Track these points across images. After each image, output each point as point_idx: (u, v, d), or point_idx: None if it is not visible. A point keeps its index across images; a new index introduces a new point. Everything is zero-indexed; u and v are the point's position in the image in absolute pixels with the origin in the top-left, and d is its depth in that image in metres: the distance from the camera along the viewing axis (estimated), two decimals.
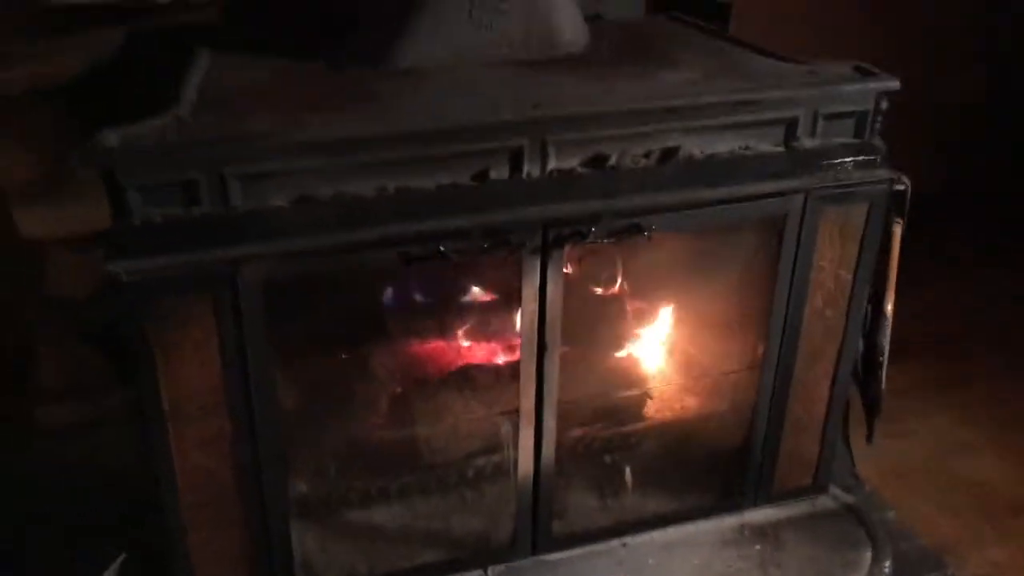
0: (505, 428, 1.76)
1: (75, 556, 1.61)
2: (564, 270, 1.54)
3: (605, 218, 1.49)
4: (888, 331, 1.99)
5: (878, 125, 1.68)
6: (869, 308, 1.98)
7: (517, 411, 1.63)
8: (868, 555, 1.82)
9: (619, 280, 1.84)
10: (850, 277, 1.70)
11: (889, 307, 1.99)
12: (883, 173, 1.61)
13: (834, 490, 1.96)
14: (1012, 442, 2.52)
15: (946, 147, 3.34)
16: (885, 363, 2.02)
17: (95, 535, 1.70)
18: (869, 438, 2.17)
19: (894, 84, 1.55)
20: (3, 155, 2.06)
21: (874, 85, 1.55)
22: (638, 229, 1.50)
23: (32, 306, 2.27)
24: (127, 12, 1.99)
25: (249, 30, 1.86)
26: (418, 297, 1.84)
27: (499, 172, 1.45)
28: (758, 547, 1.83)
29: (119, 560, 1.56)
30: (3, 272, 2.29)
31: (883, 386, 2.06)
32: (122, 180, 1.27)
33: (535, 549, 1.77)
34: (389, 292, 1.82)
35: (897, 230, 1.93)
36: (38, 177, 2.08)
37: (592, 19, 1.91)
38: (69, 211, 2.03)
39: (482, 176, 1.44)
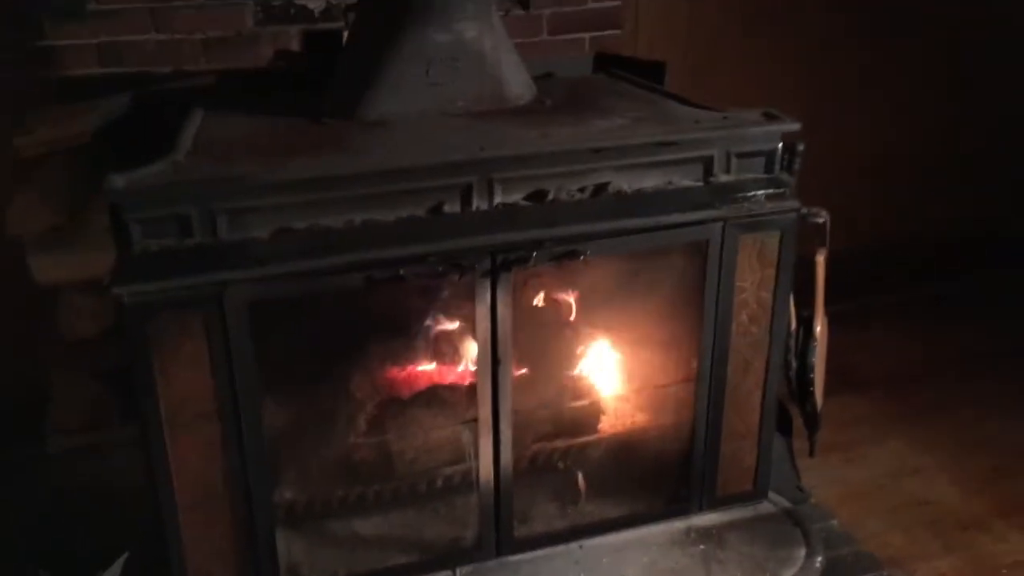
0: (468, 439, 1.95)
1: (83, 555, 1.80)
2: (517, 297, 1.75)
3: (546, 244, 1.71)
4: (818, 351, 2.20)
5: (795, 163, 1.92)
6: (801, 330, 2.19)
7: (476, 420, 1.83)
8: (802, 552, 1.99)
9: (566, 305, 2.06)
10: (770, 297, 1.91)
11: (818, 329, 2.19)
12: (792, 204, 1.83)
13: (774, 496, 2.14)
14: (965, 466, 2.67)
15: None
16: (818, 381, 2.22)
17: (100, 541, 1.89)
18: (811, 452, 2.36)
19: (794, 127, 1.79)
20: (21, 208, 2.28)
21: (777, 127, 1.79)
22: (575, 254, 1.72)
23: (46, 347, 2.48)
24: (133, 80, 2.24)
25: (239, 91, 2.12)
26: (390, 326, 2.05)
27: (452, 206, 1.68)
28: (702, 547, 2.01)
29: (122, 558, 1.75)
30: (19, 316, 2.49)
31: (819, 402, 2.26)
32: (127, 216, 1.50)
33: (499, 551, 1.95)
34: (365, 321, 2.03)
35: (820, 259, 2.15)
36: (53, 227, 2.31)
37: (544, 77, 2.17)
38: (81, 257, 2.23)
39: (437, 209, 1.67)
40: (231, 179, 1.55)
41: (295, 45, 2.33)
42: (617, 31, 2.58)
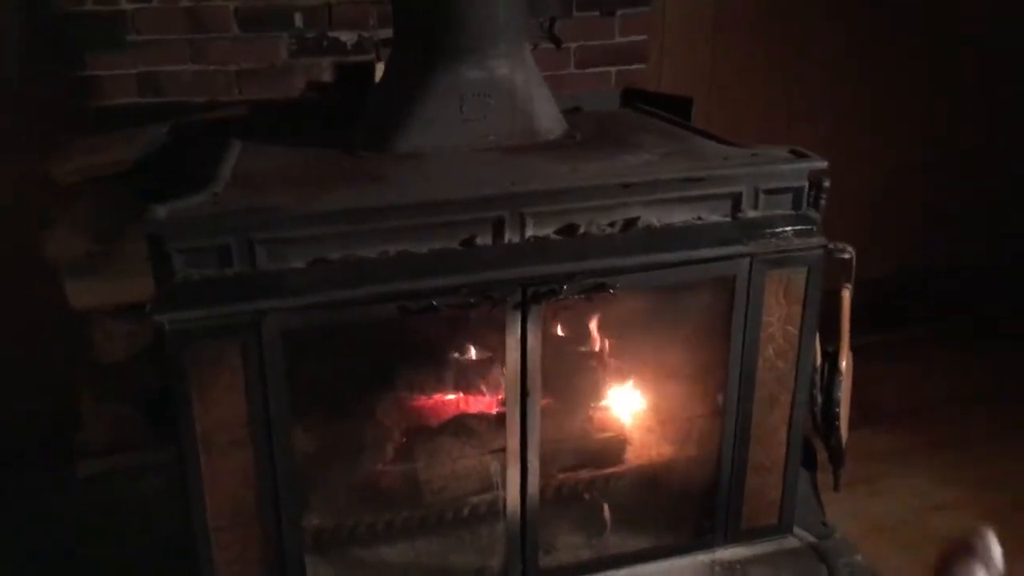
0: (495, 468, 1.97)
1: None
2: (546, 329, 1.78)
3: (576, 278, 1.73)
4: (843, 386, 2.21)
5: (821, 200, 1.94)
6: (826, 365, 2.20)
7: (504, 450, 1.85)
8: None
9: (595, 337, 2.08)
10: (797, 332, 1.92)
11: (843, 364, 2.20)
12: (819, 240, 1.85)
13: (799, 531, 2.14)
14: (989, 501, 2.66)
15: None
16: (843, 415, 2.23)
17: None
18: (836, 486, 2.36)
19: (822, 164, 1.81)
20: (57, 235, 2.33)
21: (805, 165, 1.82)
22: (604, 287, 1.74)
23: (78, 370, 2.52)
24: (168, 110, 2.29)
25: (273, 123, 2.17)
26: (420, 355, 2.08)
27: (484, 239, 1.71)
28: None
29: None
30: (51, 339, 2.54)
31: (844, 437, 2.26)
32: (169, 246, 1.54)
33: None
34: (395, 349, 2.06)
35: (846, 294, 2.16)
36: (88, 253, 2.35)
37: (572, 111, 2.20)
38: (115, 284, 2.27)
39: (469, 242, 1.70)
40: (269, 211, 1.59)
41: (327, 77, 2.38)
42: (643, 65, 2.62)
